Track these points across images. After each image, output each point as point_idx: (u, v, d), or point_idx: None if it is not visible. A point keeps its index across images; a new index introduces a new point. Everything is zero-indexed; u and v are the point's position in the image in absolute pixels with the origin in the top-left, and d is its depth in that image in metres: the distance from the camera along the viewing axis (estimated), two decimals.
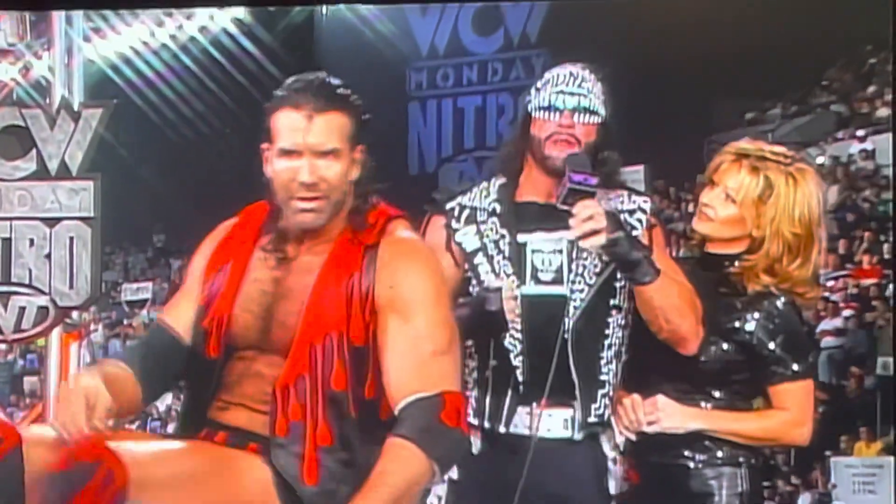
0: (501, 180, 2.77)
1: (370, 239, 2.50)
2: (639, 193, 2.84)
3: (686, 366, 2.92)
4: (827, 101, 16.15)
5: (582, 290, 2.77)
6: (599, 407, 2.78)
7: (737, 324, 2.97)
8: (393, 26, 15.46)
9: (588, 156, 2.76)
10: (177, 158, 14.12)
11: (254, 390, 2.48)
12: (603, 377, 2.79)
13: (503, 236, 2.77)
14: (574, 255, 2.78)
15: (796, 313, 3.10)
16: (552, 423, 2.84)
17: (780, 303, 3.01)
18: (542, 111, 2.76)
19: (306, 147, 2.49)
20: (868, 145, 13.76)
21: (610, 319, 2.80)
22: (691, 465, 2.94)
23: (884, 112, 14.50)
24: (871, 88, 15.32)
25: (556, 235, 2.79)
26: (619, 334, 2.81)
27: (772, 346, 3.03)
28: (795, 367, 3.08)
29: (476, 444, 2.80)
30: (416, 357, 2.48)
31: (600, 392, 2.78)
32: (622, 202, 2.75)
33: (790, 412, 3.08)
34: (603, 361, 2.78)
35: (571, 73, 2.81)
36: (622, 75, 13.36)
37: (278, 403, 2.42)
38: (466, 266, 2.77)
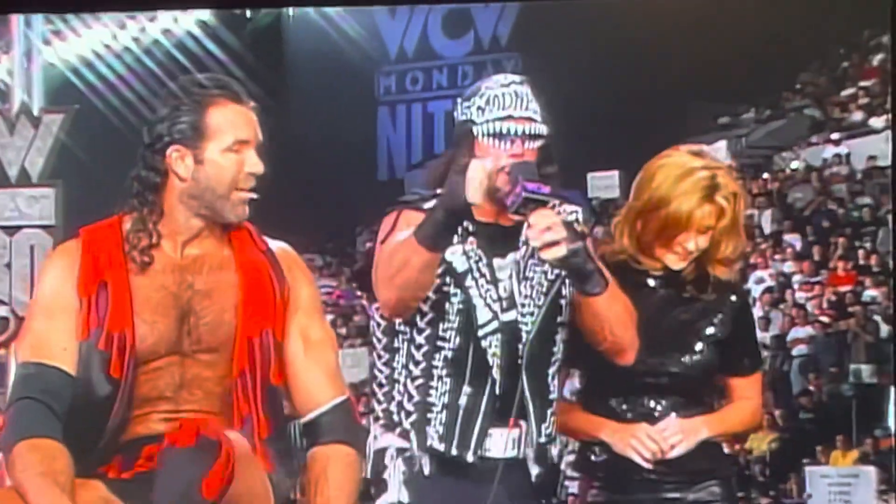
0: None
1: (262, 245, 2.55)
2: (570, 202, 2.80)
3: (677, 380, 2.92)
4: (801, 105, 16.21)
5: (532, 314, 2.73)
6: (549, 426, 2.76)
7: (709, 329, 2.98)
8: (361, 29, 15.40)
9: (534, 163, 2.71)
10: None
11: (202, 393, 2.44)
12: (552, 396, 2.76)
13: (480, 258, 2.72)
14: (521, 277, 2.74)
15: (750, 308, 3.22)
16: (502, 441, 2.82)
17: (739, 300, 3.06)
18: (490, 138, 2.69)
19: (255, 138, 2.49)
20: (843, 149, 13.81)
21: (557, 337, 2.77)
22: (678, 478, 2.92)
23: (858, 116, 14.57)
24: (846, 92, 15.42)
25: (507, 261, 2.75)
26: (562, 349, 2.78)
27: (741, 341, 3.08)
28: (757, 358, 3.16)
29: (426, 465, 2.75)
30: (327, 362, 2.52)
31: (549, 411, 2.76)
32: (557, 212, 2.72)
33: (754, 399, 3.14)
34: (550, 378, 2.76)
35: (517, 94, 2.73)
36: (594, 79, 13.35)
37: (233, 398, 2.43)
38: (448, 281, 2.72)
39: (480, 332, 2.67)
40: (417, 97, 14.94)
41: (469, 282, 2.67)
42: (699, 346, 2.86)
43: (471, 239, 2.69)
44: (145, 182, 2.37)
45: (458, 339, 2.67)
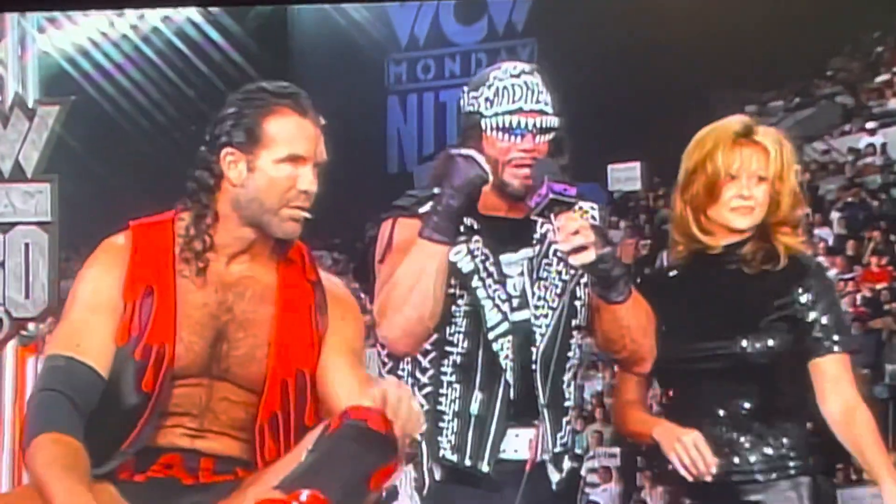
0: None
1: (312, 275, 2.56)
2: (585, 198, 2.79)
3: (741, 364, 2.83)
4: (832, 92, 16.14)
5: (546, 315, 2.72)
6: (564, 435, 2.74)
7: (782, 300, 2.85)
8: (370, 15, 15.42)
9: (556, 162, 2.70)
10: (140, 158, 14.04)
11: (227, 417, 2.45)
12: (567, 403, 2.75)
13: (487, 257, 2.71)
14: (535, 276, 2.73)
15: (832, 283, 2.98)
16: (519, 443, 2.82)
17: (817, 269, 2.91)
18: (499, 132, 2.68)
19: (313, 156, 2.48)
20: (878, 139, 13.76)
21: (572, 341, 2.75)
22: (759, 477, 2.84)
23: (894, 103, 14.50)
24: (880, 78, 15.34)
25: (519, 256, 2.74)
26: (579, 354, 2.76)
27: (818, 316, 2.91)
28: (843, 335, 2.97)
29: (436, 471, 2.75)
30: (357, 376, 2.52)
31: (564, 420, 2.75)
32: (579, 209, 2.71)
33: (846, 387, 2.95)
34: (565, 385, 2.74)
35: (527, 85, 2.72)
36: (614, 66, 13.28)
37: (257, 439, 2.45)
38: (453, 282, 2.72)
39: (491, 335, 2.66)
40: (429, 86, 14.94)
41: (476, 282, 2.66)
42: (766, 324, 2.74)
43: (476, 238, 2.68)
44: (200, 182, 2.39)
45: (466, 343, 2.67)
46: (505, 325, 2.68)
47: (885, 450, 2.75)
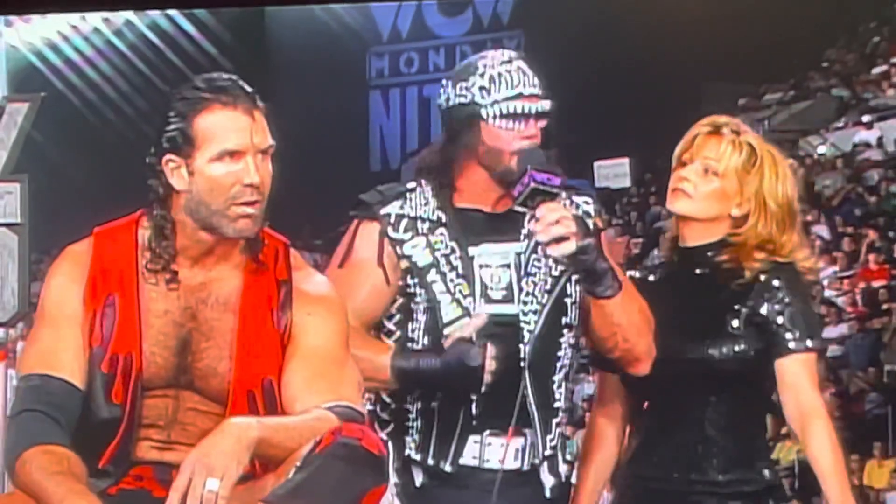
0: (433, 183, 2.71)
1: (282, 274, 2.52)
2: (579, 193, 2.80)
3: (709, 370, 2.78)
4: (827, 85, 16.18)
5: (535, 312, 2.72)
6: (553, 438, 2.75)
7: (745, 308, 2.81)
8: (350, 6, 15.39)
9: (542, 151, 2.71)
10: (113, 156, 13.98)
11: (196, 429, 2.44)
12: (557, 404, 2.75)
13: (453, 250, 2.71)
14: (523, 272, 2.73)
15: (803, 284, 2.85)
16: (499, 452, 2.82)
17: (791, 271, 2.82)
18: (501, 120, 2.69)
19: (252, 146, 2.46)
20: (874, 132, 13.81)
21: (562, 339, 2.75)
22: (721, 491, 2.81)
23: (891, 95, 14.54)
24: (876, 70, 15.39)
25: (504, 248, 2.73)
26: (570, 354, 2.76)
27: (784, 318, 2.80)
28: (804, 332, 2.85)
29: (418, 476, 2.76)
30: (312, 382, 2.49)
31: (554, 421, 2.75)
32: (563, 203, 2.71)
33: (804, 391, 2.83)
34: (555, 386, 2.74)
35: (522, 70, 2.74)
36: (603, 59, 13.28)
37: None
38: (411, 282, 2.71)
39: (446, 331, 2.66)
40: (412, 80, 14.93)
41: (433, 276, 2.66)
42: (734, 329, 2.70)
43: (440, 230, 2.68)
44: (154, 191, 2.38)
45: (427, 340, 2.68)
46: (466, 321, 2.67)
47: (842, 469, 2.64)
